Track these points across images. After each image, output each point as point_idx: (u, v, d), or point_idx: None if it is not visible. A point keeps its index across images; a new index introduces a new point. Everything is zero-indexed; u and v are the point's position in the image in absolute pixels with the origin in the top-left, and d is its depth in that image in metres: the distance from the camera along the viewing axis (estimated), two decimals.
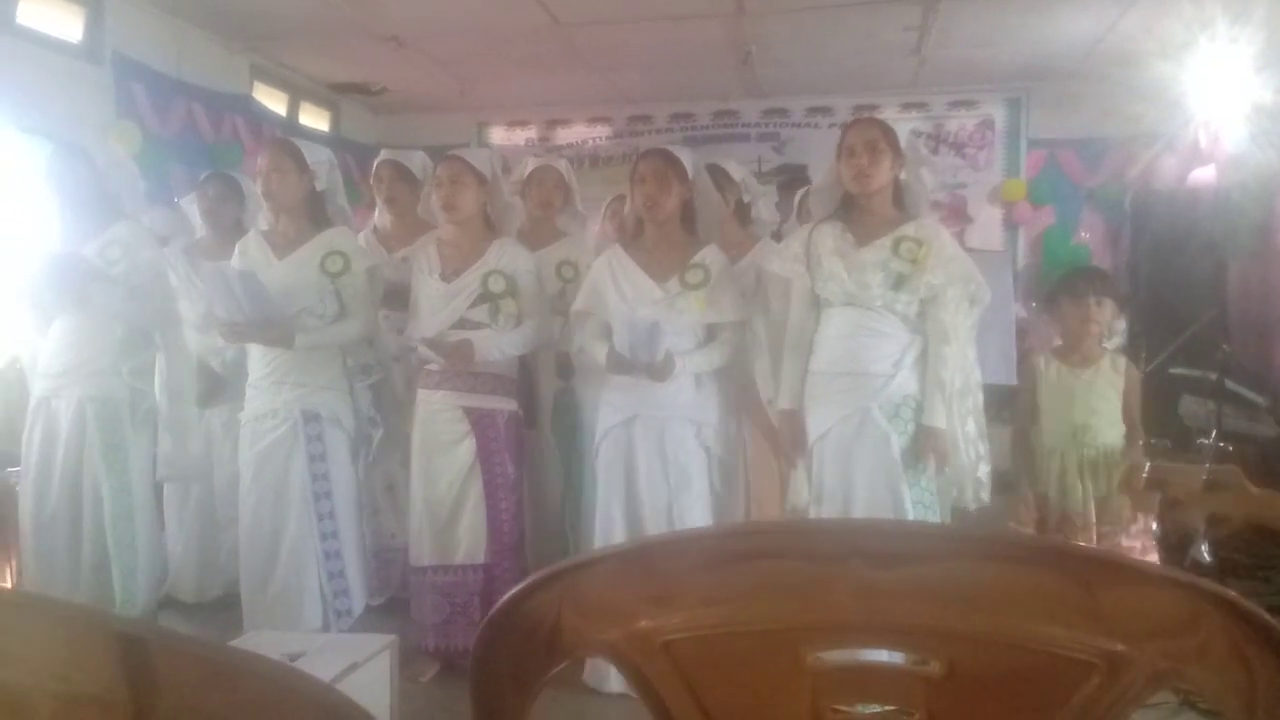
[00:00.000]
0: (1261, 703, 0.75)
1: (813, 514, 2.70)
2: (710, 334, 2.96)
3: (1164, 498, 3.68)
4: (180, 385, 3.54)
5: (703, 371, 2.93)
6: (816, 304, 2.77)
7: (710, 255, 2.95)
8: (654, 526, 2.86)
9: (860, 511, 2.63)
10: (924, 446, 2.63)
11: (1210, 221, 5.88)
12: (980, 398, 2.78)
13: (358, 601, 3.26)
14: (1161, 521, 3.73)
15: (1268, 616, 0.74)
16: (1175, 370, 4.41)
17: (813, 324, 2.78)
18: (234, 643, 2.53)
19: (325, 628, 3.11)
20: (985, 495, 2.77)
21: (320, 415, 3.11)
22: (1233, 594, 0.75)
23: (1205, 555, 3.70)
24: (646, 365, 2.79)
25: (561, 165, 3.80)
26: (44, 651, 0.65)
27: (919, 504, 2.65)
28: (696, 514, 2.90)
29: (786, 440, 2.79)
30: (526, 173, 3.72)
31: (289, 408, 3.09)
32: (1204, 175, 6.76)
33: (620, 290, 2.95)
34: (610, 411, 2.96)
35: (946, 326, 2.66)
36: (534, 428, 3.36)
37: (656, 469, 2.89)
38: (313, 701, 0.66)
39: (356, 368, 3.21)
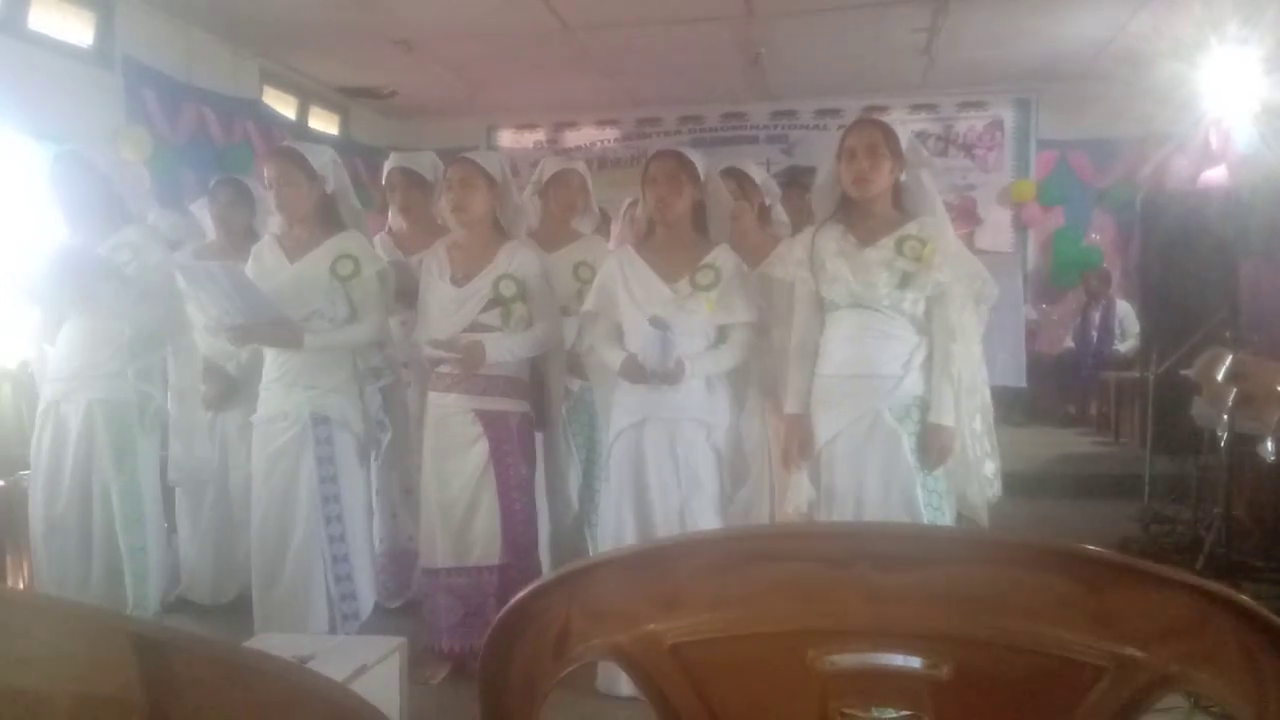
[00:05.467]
0: (1272, 707, 0.75)
1: (824, 517, 2.69)
2: (721, 335, 2.96)
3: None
4: (188, 388, 3.56)
5: (713, 373, 2.92)
6: (821, 307, 2.76)
7: (721, 256, 2.95)
8: (665, 529, 2.86)
9: (873, 514, 2.62)
10: (930, 444, 2.62)
11: (1221, 222, 5.84)
12: (987, 394, 2.76)
13: (365, 604, 3.26)
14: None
15: (1277, 620, 0.74)
16: (1186, 372, 4.38)
17: (817, 327, 2.77)
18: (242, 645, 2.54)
19: (332, 630, 3.11)
20: (992, 492, 2.76)
21: (329, 418, 3.12)
22: (1242, 597, 0.75)
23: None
24: (659, 372, 2.80)
25: (580, 167, 3.80)
26: (61, 653, 0.66)
27: (929, 506, 2.65)
28: (709, 516, 2.90)
29: (792, 445, 2.77)
30: (547, 175, 3.71)
31: (299, 410, 3.09)
32: (1215, 176, 6.74)
33: (630, 291, 2.95)
34: (621, 414, 2.96)
35: (953, 324, 2.64)
36: (544, 429, 3.37)
37: (668, 471, 2.89)
38: (327, 702, 0.67)
39: (367, 371, 3.22)
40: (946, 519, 2.71)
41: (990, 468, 2.75)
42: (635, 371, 2.84)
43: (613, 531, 2.96)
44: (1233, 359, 3.80)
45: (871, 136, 2.64)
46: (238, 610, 3.67)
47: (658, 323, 2.76)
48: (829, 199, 2.81)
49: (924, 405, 2.65)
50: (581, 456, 3.63)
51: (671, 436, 2.89)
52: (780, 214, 3.62)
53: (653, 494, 2.89)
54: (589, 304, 3.05)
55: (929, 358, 2.67)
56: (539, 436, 3.39)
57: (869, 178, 2.63)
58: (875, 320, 2.66)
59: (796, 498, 2.74)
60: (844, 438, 2.68)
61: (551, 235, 3.66)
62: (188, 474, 3.67)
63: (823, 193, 2.84)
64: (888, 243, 2.65)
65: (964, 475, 2.74)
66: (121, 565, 3.35)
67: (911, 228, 2.67)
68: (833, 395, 2.71)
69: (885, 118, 2.83)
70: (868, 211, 2.71)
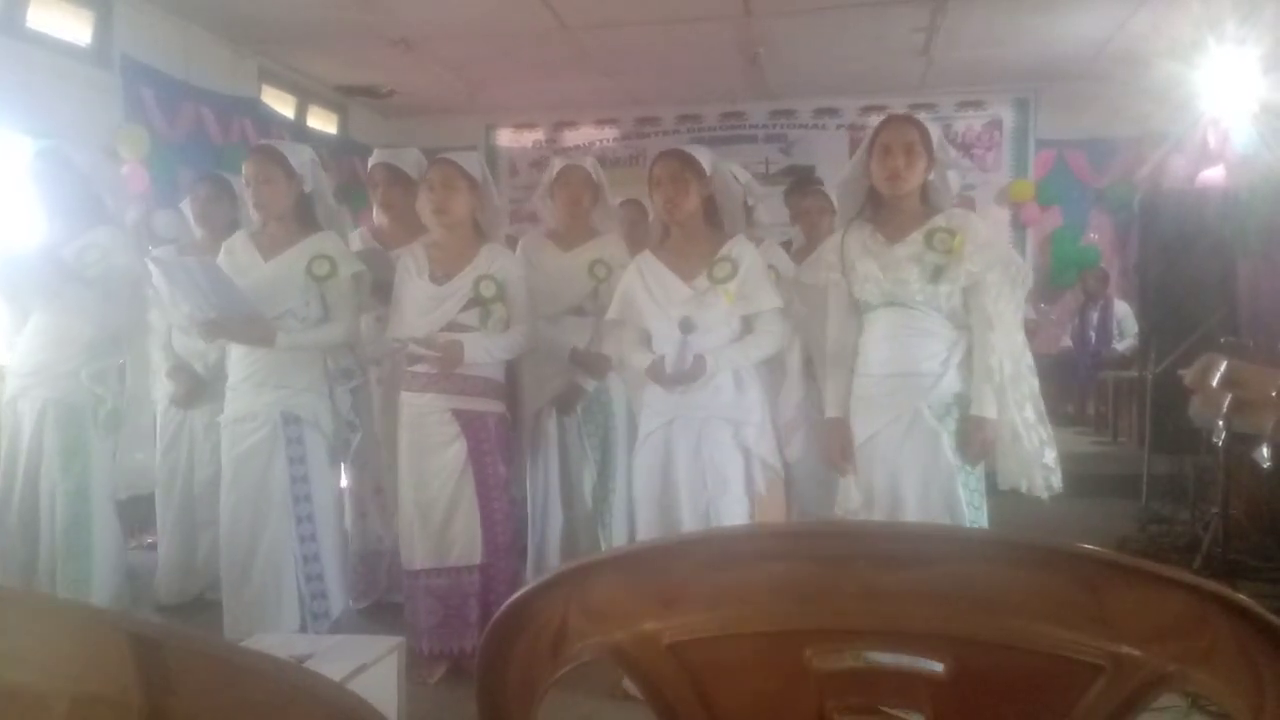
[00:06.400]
0: (1269, 705, 0.75)
1: (862, 518, 2.65)
2: (747, 326, 2.92)
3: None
4: (140, 394, 3.52)
5: (742, 365, 2.88)
6: (856, 309, 2.73)
7: (737, 247, 2.91)
8: (691, 529, 2.81)
9: (912, 513, 2.59)
10: (971, 437, 2.58)
11: (1219, 222, 5.85)
12: (1035, 382, 2.69)
13: (335, 604, 3.24)
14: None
15: (1275, 619, 0.74)
16: (1184, 371, 4.39)
17: (854, 330, 2.74)
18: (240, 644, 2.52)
19: (302, 629, 3.09)
20: (1056, 482, 2.66)
21: (300, 418, 3.10)
22: (1239, 596, 0.75)
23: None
24: (676, 375, 2.78)
25: (589, 163, 3.76)
26: (59, 653, 0.66)
27: (970, 505, 2.61)
28: (735, 515, 2.85)
29: (834, 448, 2.74)
30: (554, 173, 3.71)
31: (269, 410, 3.08)
32: (1213, 175, 6.74)
33: (651, 294, 2.92)
34: (650, 415, 2.93)
35: (990, 313, 2.59)
36: (516, 430, 3.38)
37: (695, 471, 2.86)
38: (325, 702, 0.67)
39: (337, 371, 3.20)
40: (984, 518, 2.68)
41: (1050, 456, 2.67)
42: (659, 374, 2.82)
43: (641, 533, 2.94)
44: (1227, 365, 3.79)
45: (908, 134, 2.61)
46: (200, 609, 3.68)
47: (684, 325, 2.75)
48: (856, 194, 2.78)
49: (964, 402, 2.61)
50: (596, 456, 3.64)
51: (699, 435, 2.85)
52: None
53: (680, 494, 2.86)
54: (613, 312, 3.04)
55: (968, 355, 2.63)
56: (554, 436, 3.46)
57: (903, 175, 2.60)
58: (911, 318, 2.64)
59: (847, 501, 2.71)
60: (882, 437, 2.65)
61: (567, 234, 3.67)
62: (125, 481, 3.58)
63: (848, 188, 2.82)
64: (916, 237, 2.63)
65: (1023, 467, 2.66)
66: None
67: (939, 220, 2.64)
68: (871, 395, 2.68)
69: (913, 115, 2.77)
70: (896, 209, 2.69)
